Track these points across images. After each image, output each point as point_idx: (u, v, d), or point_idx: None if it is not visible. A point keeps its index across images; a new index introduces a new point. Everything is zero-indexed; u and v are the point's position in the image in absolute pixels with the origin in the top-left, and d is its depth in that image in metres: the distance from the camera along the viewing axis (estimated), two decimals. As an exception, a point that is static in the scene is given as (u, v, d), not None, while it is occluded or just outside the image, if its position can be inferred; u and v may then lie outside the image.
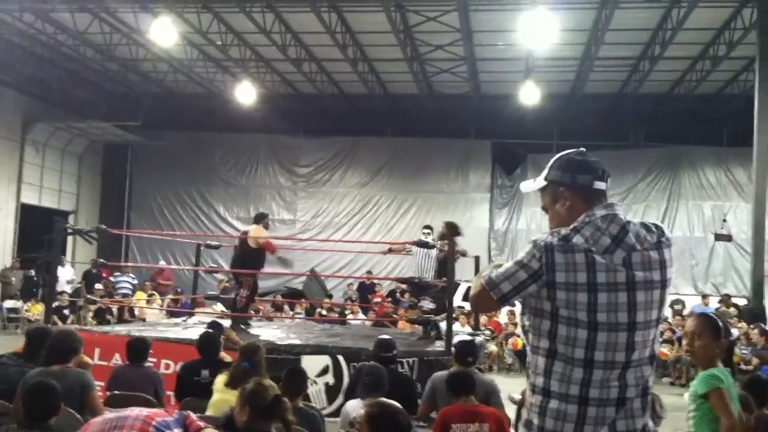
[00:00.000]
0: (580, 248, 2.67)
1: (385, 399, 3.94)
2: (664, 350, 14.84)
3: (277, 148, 25.59)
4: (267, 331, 11.26)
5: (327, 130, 24.79)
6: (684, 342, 4.28)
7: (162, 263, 23.09)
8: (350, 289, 21.48)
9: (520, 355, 15.29)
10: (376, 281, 20.51)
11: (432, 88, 22.59)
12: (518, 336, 15.71)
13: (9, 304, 19.34)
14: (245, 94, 21.17)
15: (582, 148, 2.98)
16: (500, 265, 2.80)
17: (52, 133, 23.18)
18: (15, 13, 17.57)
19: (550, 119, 22.70)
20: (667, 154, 23.84)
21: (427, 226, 12.41)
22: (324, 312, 18.00)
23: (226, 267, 21.87)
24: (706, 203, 23.64)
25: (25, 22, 18.17)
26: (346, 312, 18.43)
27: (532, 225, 24.49)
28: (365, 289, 20.69)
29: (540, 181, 2.95)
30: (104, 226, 11.70)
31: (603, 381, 2.63)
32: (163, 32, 16.58)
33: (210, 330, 7.60)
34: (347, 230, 24.71)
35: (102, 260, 14.59)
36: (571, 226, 2.75)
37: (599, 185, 2.83)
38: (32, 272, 21.07)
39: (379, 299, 19.85)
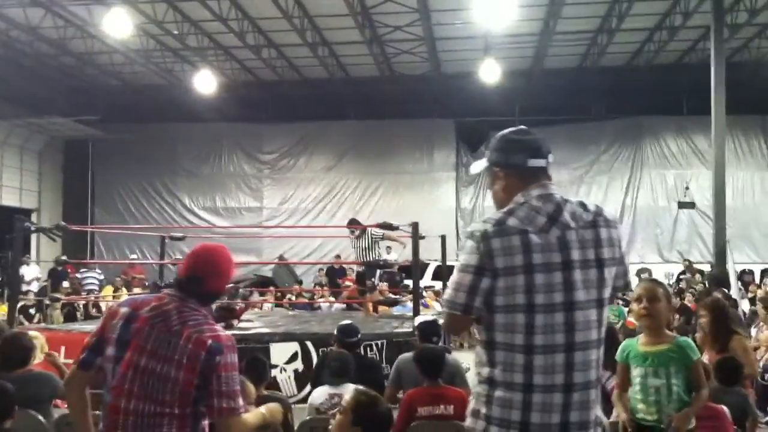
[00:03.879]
0: (516, 230, 2.66)
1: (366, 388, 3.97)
2: (631, 319, 14.97)
3: (239, 135, 25.39)
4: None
5: (290, 116, 24.61)
6: (637, 305, 4.29)
7: (133, 257, 22.87)
8: (320, 274, 21.44)
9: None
10: (345, 265, 20.48)
11: (393, 70, 22.54)
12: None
13: (-27, 306, 19.01)
14: (205, 83, 20.91)
15: (522, 126, 2.96)
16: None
17: (11, 131, 22.78)
18: (-35, 10, 17.20)
19: (511, 95, 22.73)
20: (629, 125, 24.02)
21: (352, 221, 13.01)
22: (293, 298, 17.97)
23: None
24: (669, 172, 23.94)
25: (-24, 19, 17.81)
26: (316, 297, 18.41)
27: (500, 202, 24.58)
28: (335, 273, 20.66)
29: (483, 162, 2.95)
30: (64, 223, 11.54)
31: (546, 366, 2.61)
32: (117, 24, 16.31)
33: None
34: (315, 215, 24.64)
35: (65, 258, 14.35)
36: (506, 209, 2.75)
37: (534, 163, 2.81)
38: (-5, 272, 20.74)
39: (349, 282, 19.83)
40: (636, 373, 4.28)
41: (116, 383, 3.08)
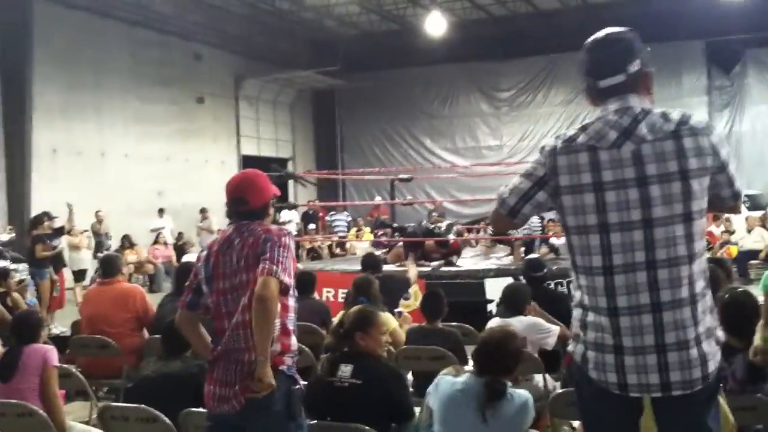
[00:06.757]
0: (584, 146, 2.59)
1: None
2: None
3: (475, 75, 25.35)
4: (463, 260, 11.49)
5: (524, 50, 24.04)
6: None
7: (378, 199, 23.83)
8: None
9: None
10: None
11: (632, -11, 21.21)
12: (733, 244, 14.78)
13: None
14: (437, 24, 21.00)
15: (604, 32, 2.77)
16: None
17: (263, 87, 24.39)
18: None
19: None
20: None
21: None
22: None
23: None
24: None
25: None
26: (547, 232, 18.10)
27: (758, 125, 22.73)
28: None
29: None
30: (292, 171, 12.34)
31: (629, 286, 2.52)
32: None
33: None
34: (555, 150, 24.12)
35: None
36: (581, 125, 2.67)
37: (605, 83, 2.67)
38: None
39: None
40: None
41: (214, 312, 3.55)
